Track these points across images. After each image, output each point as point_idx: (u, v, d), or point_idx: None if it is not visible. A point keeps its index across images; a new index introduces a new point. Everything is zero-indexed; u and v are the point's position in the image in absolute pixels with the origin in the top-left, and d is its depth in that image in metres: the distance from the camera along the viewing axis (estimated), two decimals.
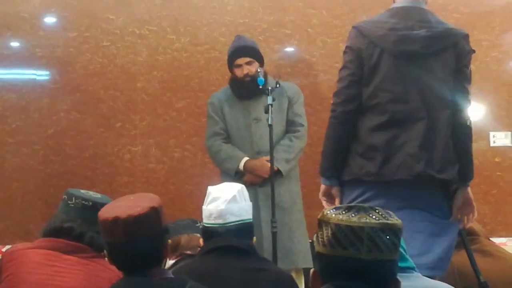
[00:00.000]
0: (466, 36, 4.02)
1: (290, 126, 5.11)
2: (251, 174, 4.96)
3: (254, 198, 4.76)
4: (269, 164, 4.69)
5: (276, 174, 4.83)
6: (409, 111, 3.88)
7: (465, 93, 4.05)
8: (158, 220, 2.76)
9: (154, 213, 2.72)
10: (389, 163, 3.87)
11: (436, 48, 3.93)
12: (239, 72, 5.05)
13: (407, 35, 3.92)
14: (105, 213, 2.73)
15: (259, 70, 4.86)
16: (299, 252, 4.95)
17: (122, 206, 2.74)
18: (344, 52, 4.10)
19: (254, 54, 5.11)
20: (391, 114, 3.89)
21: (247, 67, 5.03)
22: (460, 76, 3.99)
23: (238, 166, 4.98)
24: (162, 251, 2.82)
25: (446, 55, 3.94)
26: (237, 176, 4.97)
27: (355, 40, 4.04)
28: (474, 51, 4.09)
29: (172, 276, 2.80)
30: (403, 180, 3.85)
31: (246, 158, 4.97)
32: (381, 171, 3.88)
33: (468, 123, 4.08)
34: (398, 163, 3.86)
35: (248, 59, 5.06)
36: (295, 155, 5.04)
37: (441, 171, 3.87)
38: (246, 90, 4.99)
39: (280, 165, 4.92)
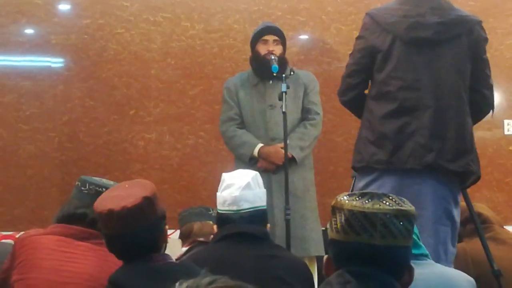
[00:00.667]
0: (480, 23, 4.00)
1: (306, 114, 5.10)
2: (265, 160, 4.95)
3: (267, 185, 4.74)
4: (283, 151, 4.68)
5: (290, 161, 4.84)
6: (420, 99, 3.87)
7: (487, 80, 4.04)
8: (152, 209, 2.77)
9: (147, 203, 2.74)
10: (399, 152, 3.87)
11: (449, 35, 3.91)
12: (263, 48, 5.03)
13: (419, 21, 3.91)
14: (99, 205, 2.76)
15: (273, 57, 4.86)
16: (312, 240, 4.95)
17: (115, 197, 2.76)
18: (356, 39, 4.12)
19: (282, 36, 5.12)
20: (401, 101, 3.89)
21: (273, 46, 5.03)
22: (480, 63, 3.98)
23: (253, 152, 4.97)
24: (160, 238, 2.84)
25: (459, 42, 3.92)
26: (251, 162, 4.97)
27: (368, 28, 4.05)
28: (487, 40, 4.07)
29: (174, 261, 2.81)
30: (414, 169, 3.84)
31: (260, 145, 4.97)
32: (392, 159, 3.88)
33: (487, 112, 4.10)
34: (408, 152, 3.85)
35: (276, 38, 5.07)
36: (310, 143, 5.04)
37: (453, 161, 3.86)
38: (267, 69, 4.90)
39: (294, 153, 4.92)
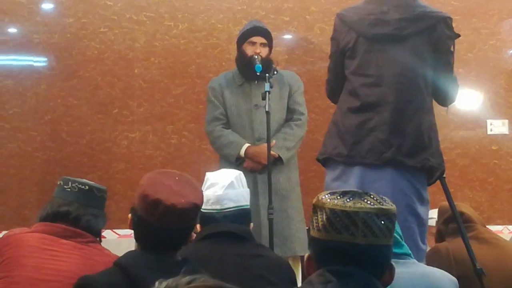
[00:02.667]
0: (445, 19, 4.01)
1: (291, 114, 5.10)
2: (251, 160, 4.94)
3: (253, 185, 4.77)
4: (271, 152, 4.74)
5: (276, 161, 4.90)
6: (381, 95, 3.94)
7: (447, 79, 4.08)
8: (195, 216, 2.74)
9: (194, 210, 2.69)
10: (359, 146, 3.94)
11: (411, 30, 3.95)
12: (250, 50, 5.02)
13: (380, 18, 3.98)
14: (149, 188, 2.67)
15: (255, 57, 4.87)
16: (297, 239, 4.96)
17: (167, 188, 2.68)
18: (330, 40, 4.22)
19: (270, 39, 5.11)
20: (363, 98, 3.97)
21: (260, 48, 5.02)
22: (443, 59, 4.02)
23: (239, 152, 4.95)
24: (187, 240, 2.80)
25: (421, 38, 3.96)
26: (237, 162, 4.95)
27: (337, 28, 4.15)
28: (458, 36, 4.09)
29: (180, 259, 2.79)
30: (374, 164, 3.89)
31: (247, 145, 4.96)
32: (351, 153, 3.95)
33: (448, 104, 4.16)
34: (368, 147, 3.92)
35: (263, 41, 5.06)
36: (295, 143, 5.04)
37: (411, 157, 3.89)
38: (253, 69, 4.88)
39: (281, 153, 4.93)
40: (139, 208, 2.69)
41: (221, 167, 4.80)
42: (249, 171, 4.87)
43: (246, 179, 4.63)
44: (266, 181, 4.61)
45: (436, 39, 3.98)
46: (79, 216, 3.20)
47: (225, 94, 5.11)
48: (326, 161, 4.17)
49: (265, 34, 5.08)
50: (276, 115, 4.97)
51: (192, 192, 2.72)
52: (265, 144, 4.79)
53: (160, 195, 2.63)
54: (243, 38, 5.08)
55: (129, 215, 2.78)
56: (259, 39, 5.04)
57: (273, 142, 4.88)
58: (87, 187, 3.27)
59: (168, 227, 2.65)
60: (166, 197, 2.63)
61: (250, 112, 5.03)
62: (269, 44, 5.09)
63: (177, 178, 2.78)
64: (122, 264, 2.66)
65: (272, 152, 4.81)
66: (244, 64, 5.00)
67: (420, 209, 3.96)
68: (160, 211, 2.62)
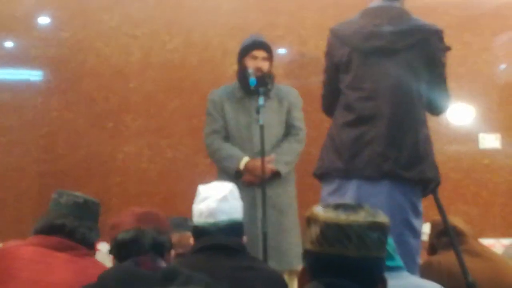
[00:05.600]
0: (437, 32, 4.04)
1: (290, 129, 5.11)
2: (250, 174, 4.93)
3: (252, 199, 4.78)
4: (270, 166, 4.83)
5: (274, 176, 4.92)
6: (377, 108, 3.95)
7: (440, 91, 4.11)
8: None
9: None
10: (356, 159, 3.94)
11: (404, 43, 3.98)
12: (252, 64, 5.01)
13: (374, 31, 4.00)
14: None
15: (250, 71, 4.89)
16: (294, 253, 4.95)
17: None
18: (324, 56, 4.24)
19: (271, 53, 5.12)
20: (359, 111, 3.98)
21: (261, 62, 5.03)
22: (434, 73, 4.05)
23: (239, 165, 4.96)
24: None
25: (414, 51, 3.98)
26: (236, 175, 4.94)
27: (330, 43, 4.17)
28: (449, 49, 4.13)
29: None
30: (372, 176, 3.91)
31: (246, 158, 4.95)
32: (348, 166, 3.95)
33: (440, 114, 4.20)
34: (365, 160, 3.93)
35: (265, 55, 5.06)
36: (294, 158, 5.05)
37: (408, 170, 3.91)
38: (259, 84, 4.85)
39: (280, 167, 4.95)
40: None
41: (219, 179, 4.80)
42: (248, 184, 4.89)
43: (245, 192, 4.70)
44: (264, 194, 4.66)
45: (429, 52, 4.00)
46: (74, 228, 3.21)
47: (225, 107, 5.11)
48: (322, 176, 4.18)
49: (267, 48, 5.09)
50: (274, 130, 5.01)
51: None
52: (265, 158, 4.83)
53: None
54: (245, 52, 5.08)
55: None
56: (260, 53, 5.05)
57: (272, 156, 4.91)
58: (82, 200, 3.29)
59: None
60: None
61: (250, 126, 5.01)
62: (270, 58, 5.10)
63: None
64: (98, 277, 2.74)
65: (270, 166, 4.85)
66: (246, 78, 4.97)
67: (415, 222, 3.98)
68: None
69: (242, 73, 5.05)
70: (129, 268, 2.71)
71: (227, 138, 5.11)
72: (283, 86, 5.26)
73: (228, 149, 5.03)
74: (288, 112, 5.13)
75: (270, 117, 4.95)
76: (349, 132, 4.01)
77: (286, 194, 5.06)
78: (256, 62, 5.02)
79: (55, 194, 3.34)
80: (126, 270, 2.72)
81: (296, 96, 5.22)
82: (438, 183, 4.07)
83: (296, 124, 5.13)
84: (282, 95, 5.13)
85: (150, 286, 2.64)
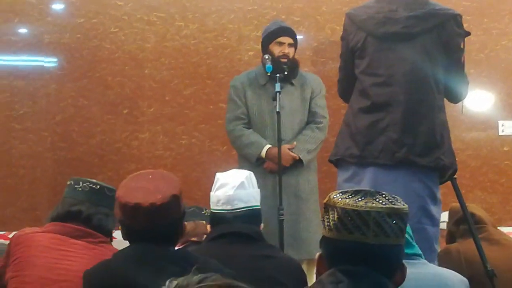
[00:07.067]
0: (455, 17, 3.99)
1: (313, 117, 5.09)
2: (272, 161, 4.89)
3: (272, 186, 4.75)
4: (291, 153, 4.86)
5: (296, 163, 4.92)
6: (392, 95, 3.92)
7: (458, 76, 4.06)
8: (178, 207, 2.76)
9: (175, 201, 2.72)
10: (371, 146, 3.93)
11: (420, 28, 3.94)
12: (277, 49, 4.98)
13: (389, 16, 3.96)
14: (125, 196, 2.71)
15: (266, 57, 4.85)
16: (315, 242, 4.89)
17: (142, 189, 2.71)
18: (340, 40, 4.21)
19: (296, 40, 5.10)
20: (374, 97, 3.96)
21: (288, 48, 5.00)
22: (453, 57, 4.00)
23: (260, 152, 4.93)
24: (178, 234, 2.83)
25: (431, 36, 3.94)
26: (258, 162, 4.94)
27: (346, 28, 4.14)
28: (468, 34, 4.08)
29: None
30: (387, 164, 3.88)
31: (268, 145, 4.93)
32: (364, 153, 3.94)
33: (458, 101, 4.15)
34: (380, 147, 3.91)
35: (291, 41, 5.04)
36: (316, 146, 5.03)
37: (423, 156, 3.88)
38: (280, 70, 4.84)
39: (301, 155, 4.94)
40: (124, 218, 2.74)
41: (240, 166, 4.80)
42: (269, 172, 4.88)
43: (266, 180, 4.69)
44: (286, 182, 4.69)
45: (446, 37, 3.96)
46: (91, 215, 3.21)
47: (247, 93, 5.09)
48: (338, 162, 4.15)
49: (292, 34, 5.07)
50: (297, 117, 5.01)
51: (167, 185, 2.75)
52: (286, 145, 4.81)
53: (137, 199, 2.66)
54: (271, 38, 5.05)
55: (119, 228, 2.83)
56: (287, 40, 5.03)
57: (294, 143, 4.92)
58: (98, 187, 3.29)
59: (155, 226, 2.68)
60: (143, 199, 2.66)
61: (272, 113, 4.92)
62: (295, 44, 5.08)
63: (150, 176, 2.82)
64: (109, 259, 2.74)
65: (292, 154, 4.83)
66: (272, 64, 4.87)
67: (434, 209, 3.95)
68: (141, 214, 2.65)
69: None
70: (144, 250, 2.70)
71: (249, 124, 5.08)
72: (306, 73, 5.25)
73: (250, 135, 5.01)
74: (311, 100, 5.09)
75: (293, 104, 4.96)
76: (364, 118, 3.98)
77: (307, 183, 5.04)
78: (283, 48, 5.00)
79: (71, 181, 3.35)
80: (142, 251, 2.71)
81: (319, 83, 5.20)
82: (455, 170, 4.04)
83: (319, 111, 5.11)
84: (306, 82, 5.11)
85: (163, 265, 2.63)
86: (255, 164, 4.90)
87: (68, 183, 3.34)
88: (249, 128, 5.06)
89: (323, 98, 5.17)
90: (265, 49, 5.06)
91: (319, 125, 5.07)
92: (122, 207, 2.70)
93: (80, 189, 3.26)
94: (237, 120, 5.07)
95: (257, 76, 5.10)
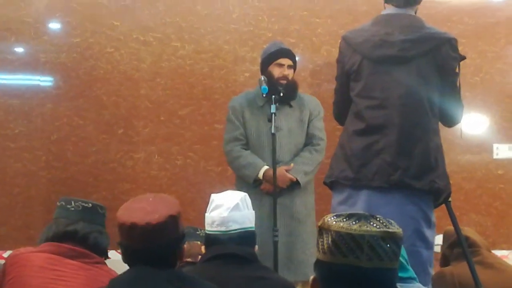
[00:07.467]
0: (450, 40, 4.01)
1: (310, 139, 5.09)
2: (269, 183, 4.86)
3: (269, 208, 4.74)
4: (288, 175, 4.85)
5: (293, 185, 4.91)
6: (387, 117, 3.93)
7: (453, 100, 4.07)
8: (175, 227, 2.74)
9: (172, 221, 2.70)
10: (365, 169, 3.93)
11: (415, 52, 3.95)
12: (277, 71, 4.99)
13: (385, 39, 3.97)
14: (123, 215, 2.71)
15: (262, 79, 4.85)
16: (312, 264, 4.90)
17: (140, 210, 2.71)
18: (336, 63, 4.23)
19: (295, 61, 5.11)
20: (368, 120, 3.97)
21: (287, 70, 5.01)
22: (446, 82, 4.01)
23: (258, 174, 4.92)
24: (177, 256, 2.81)
25: (426, 60, 3.96)
26: (255, 184, 4.93)
27: (342, 51, 4.16)
28: (464, 57, 4.09)
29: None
30: (381, 187, 3.88)
31: (266, 167, 4.91)
32: (358, 176, 3.94)
33: (453, 125, 4.16)
34: (375, 169, 3.91)
35: (290, 63, 5.05)
36: (314, 168, 5.02)
37: (418, 179, 3.88)
38: (276, 91, 4.81)
39: (299, 177, 4.92)
40: (122, 238, 2.73)
41: (237, 187, 4.80)
42: (266, 193, 4.88)
43: (263, 201, 4.69)
44: (283, 204, 4.69)
45: (441, 60, 3.98)
46: (87, 234, 3.23)
47: (245, 114, 5.09)
48: (332, 184, 4.16)
49: (292, 56, 5.08)
50: (295, 139, 5.02)
51: (165, 206, 2.74)
52: (284, 167, 4.80)
53: (134, 219, 2.66)
54: (271, 59, 5.05)
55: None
56: (286, 61, 5.03)
57: (291, 165, 4.92)
58: (90, 205, 3.32)
59: (151, 246, 2.66)
60: (139, 219, 2.65)
61: (269, 134, 4.92)
62: (294, 66, 5.08)
63: (151, 199, 2.82)
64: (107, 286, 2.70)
65: (290, 176, 4.83)
66: (270, 86, 4.86)
67: (428, 232, 3.95)
68: (138, 233, 2.64)
69: (268, 81, 4.95)
70: (140, 272, 2.70)
71: (247, 145, 5.08)
72: (304, 94, 5.25)
73: (248, 157, 5.00)
74: (309, 121, 5.09)
75: (291, 126, 4.96)
76: (359, 140, 3.99)
77: (304, 204, 5.03)
78: (282, 70, 5.01)
79: (61, 201, 3.37)
80: (137, 273, 2.70)
81: (317, 105, 5.21)
82: (449, 194, 4.04)
83: (316, 134, 5.11)
84: (303, 104, 5.11)
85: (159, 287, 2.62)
86: (253, 185, 4.90)
87: (59, 204, 3.36)
88: (247, 149, 5.06)
89: (321, 120, 5.17)
90: (264, 70, 5.06)
91: (316, 147, 5.06)
92: (120, 227, 2.70)
93: (72, 208, 3.28)
94: (235, 141, 5.07)
95: (255, 97, 5.11)
